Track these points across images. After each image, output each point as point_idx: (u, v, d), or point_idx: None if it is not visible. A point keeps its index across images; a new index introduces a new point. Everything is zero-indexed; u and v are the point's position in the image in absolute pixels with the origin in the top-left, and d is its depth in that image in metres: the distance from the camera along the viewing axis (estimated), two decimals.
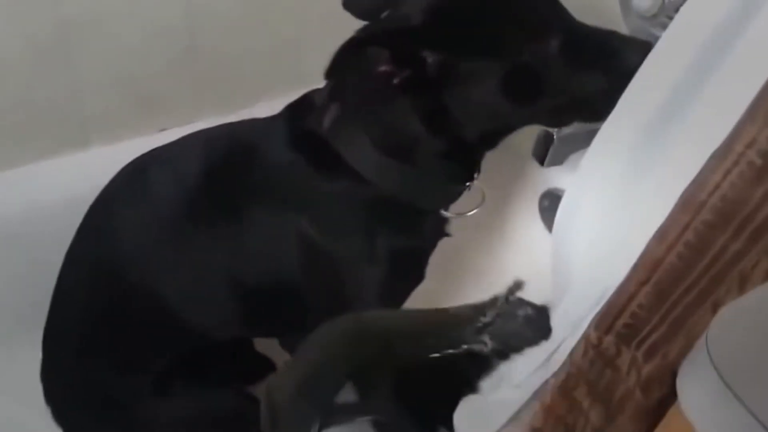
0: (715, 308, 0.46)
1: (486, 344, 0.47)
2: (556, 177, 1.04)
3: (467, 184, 0.82)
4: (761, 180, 0.44)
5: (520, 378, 0.77)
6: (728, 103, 0.52)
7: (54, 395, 0.92)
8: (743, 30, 0.56)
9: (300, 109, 0.83)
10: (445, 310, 0.52)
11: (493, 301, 0.48)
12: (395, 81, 0.70)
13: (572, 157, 0.90)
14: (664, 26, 0.87)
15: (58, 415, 0.92)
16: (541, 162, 0.88)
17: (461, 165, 0.80)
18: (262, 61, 1.16)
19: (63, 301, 0.90)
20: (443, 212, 0.84)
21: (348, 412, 0.48)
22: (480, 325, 0.47)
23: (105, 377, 0.88)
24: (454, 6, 0.70)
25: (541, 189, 1.06)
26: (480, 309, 0.48)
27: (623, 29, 0.92)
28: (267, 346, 1.12)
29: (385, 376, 0.48)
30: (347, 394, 0.49)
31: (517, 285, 0.49)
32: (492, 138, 0.78)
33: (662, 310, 0.50)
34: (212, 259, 0.83)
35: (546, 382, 0.62)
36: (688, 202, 0.48)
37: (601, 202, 0.67)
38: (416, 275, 0.87)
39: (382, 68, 0.70)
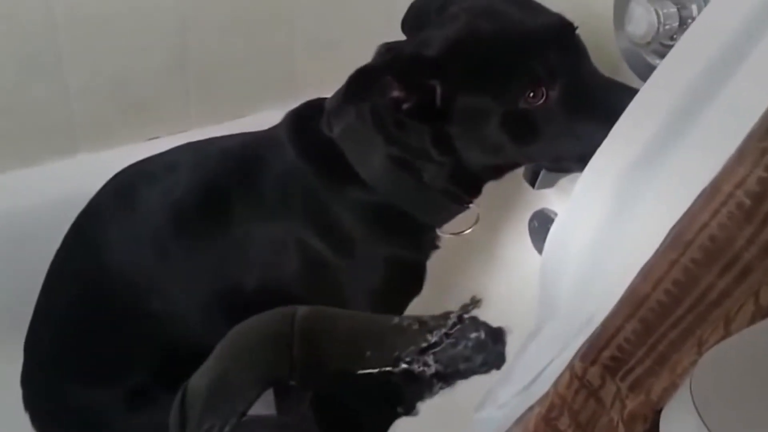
0: (700, 346, 0.46)
1: (429, 366, 0.42)
2: (546, 198, 1.04)
3: (467, 205, 0.83)
4: (749, 221, 0.44)
5: (504, 398, 0.78)
6: (718, 141, 0.52)
7: (32, 402, 0.91)
8: (736, 69, 0.56)
9: (306, 115, 0.83)
10: (389, 319, 0.47)
11: (444, 318, 0.43)
12: (404, 107, 0.72)
13: (563, 180, 0.90)
14: (657, 52, 0.88)
15: (36, 422, 0.91)
16: (532, 184, 0.88)
17: (464, 188, 0.81)
18: (252, 72, 1.15)
19: (45, 310, 0.89)
20: (438, 231, 0.85)
21: (261, 426, 0.44)
22: (425, 345, 0.42)
23: (82, 388, 0.87)
24: (469, 44, 0.71)
25: (531, 209, 1.06)
26: (428, 325, 0.43)
27: (615, 52, 0.92)
28: None
29: (308, 388, 0.44)
30: (263, 405, 0.45)
31: (474, 302, 0.45)
32: (495, 170, 0.80)
33: (647, 345, 0.50)
34: (204, 271, 0.83)
35: (530, 408, 0.63)
36: (676, 240, 0.48)
37: (592, 230, 0.67)
38: (414, 287, 0.88)
39: (393, 94, 0.71)
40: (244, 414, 0.43)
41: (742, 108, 0.53)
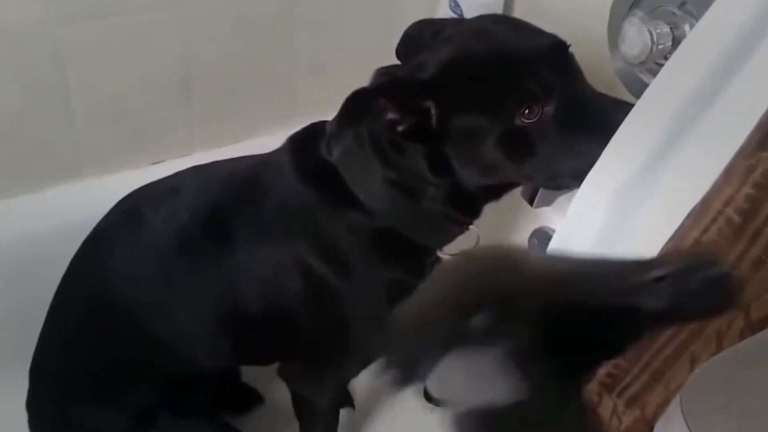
0: (693, 362, 0.47)
1: (658, 299, 0.37)
2: (545, 215, 1.05)
3: (466, 227, 0.83)
4: (739, 237, 0.45)
5: None
6: (711, 158, 0.53)
7: (37, 425, 0.91)
8: (728, 85, 0.57)
9: (307, 138, 0.84)
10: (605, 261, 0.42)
11: (667, 258, 0.39)
12: (399, 129, 0.72)
13: (561, 198, 0.91)
14: (651, 71, 0.89)
15: None
16: (531, 203, 0.89)
17: (462, 210, 0.81)
18: (255, 97, 1.17)
19: (51, 334, 0.90)
20: (439, 253, 0.85)
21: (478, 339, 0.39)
22: (652, 278, 0.38)
23: (87, 411, 0.88)
24: (463, 64, 0.72)
25: (531, 228, 1.07)
26: (647, 264, 0.39)
27: (610, 71, 0.94)
28: (254, 377, 1.12)
29: (525, 320, 0.39)
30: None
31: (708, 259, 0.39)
32: (492, 191, 0.80)
33: (643, 361, 0.51)
34: (208, 294, 0.84)
35: None
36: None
37: (587, 247, 0.68)
38: None
39: (388, 117, 0.72)
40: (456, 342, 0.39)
41: (734, 125, 0.54)
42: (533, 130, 0.70)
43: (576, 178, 0.73)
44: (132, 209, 0.87)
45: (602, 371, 0.54)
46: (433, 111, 0.72)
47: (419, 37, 0.79)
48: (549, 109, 0.70)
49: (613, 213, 0.65)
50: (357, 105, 0.71)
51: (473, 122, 0.72)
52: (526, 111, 0.70)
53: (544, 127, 0.71)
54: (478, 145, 0.72)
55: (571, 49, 0.75)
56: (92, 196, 0.95)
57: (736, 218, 0.45)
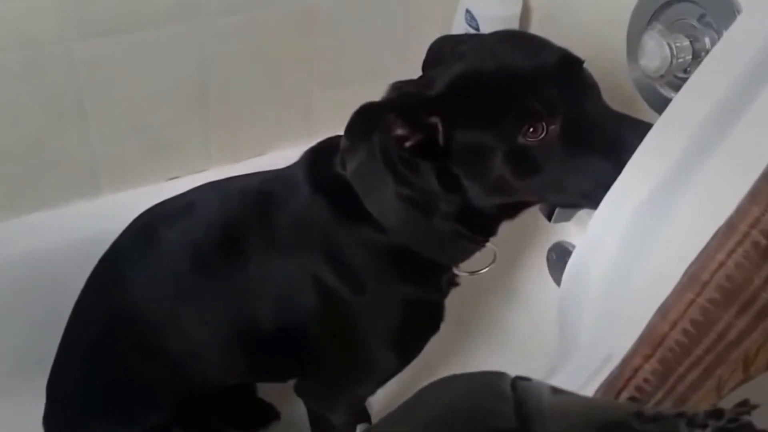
0: (720, 387, 0.46)
1: None
2: (564, 229, 1.04)
3: (482, 244, 0.82)
4: (765, 260, 0.44)
5: None
6: (736, 177, 0.52)
7: None
8: (752, 102, 0.56)
9: (322, 153, 0.84)
10: (627, 406, 0.42)
11: (716, 416, 0.37)
12: (407, 144, 0.72)
13: (581, 213, 0.90)
14: (671, 85, 0.88)
15: None
16: (549, 217, 0.88)
17: (475, 228, 0.79)
18: (272, 112, 1.17)
19: (68, 351, 0.90)
20: (455, 270, 0.84)
21: None
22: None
23: (104, 428, 0.88)
24: (467, 82, 0.72)
25: (549, 242, 1.06)
26: (692, 418, 0.37)
27: (629, 85, 0.93)
28: (271, 393, 1.12)
29: None
30: None
31: (751, 407, 0.39)
32: (506, 209, 0.79)
33: (667, 386, 0.50)
34: (223, 310, 0.84)
35: None
36: (692, 279, 0.48)
37: (608, 265, 0.67)
38: (432, 326, 0.87)
39: (397, 132, 0.72)
40: None
41: (759, 144, 0.53)
42: (538, 148, 0.69)
43: (589, 199, 0.72)
44: (148, 226, 0.88)
45: (625, 395, 0.53)
46: (439, 127, 0.72)
47: (440, 53, 0.78)
48: (555, 128, 0.69)
49: (633, 233, 0.64)
50: (364, 118, 0.71)
51: (477, 140, 0.71)
52: (530, 129, 0.69)
53: (550, 146, 0.69)
54: (483, 162, 0.71)
55: (587, 64, 0.74)
56: (109, 212, 0.95)
57: (763, 241, 0.45)
